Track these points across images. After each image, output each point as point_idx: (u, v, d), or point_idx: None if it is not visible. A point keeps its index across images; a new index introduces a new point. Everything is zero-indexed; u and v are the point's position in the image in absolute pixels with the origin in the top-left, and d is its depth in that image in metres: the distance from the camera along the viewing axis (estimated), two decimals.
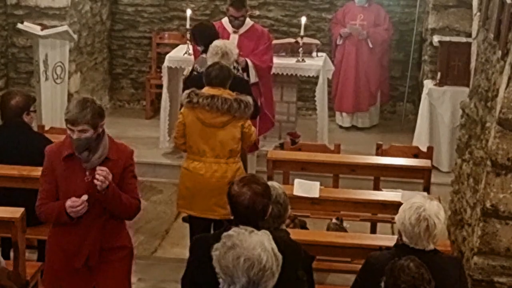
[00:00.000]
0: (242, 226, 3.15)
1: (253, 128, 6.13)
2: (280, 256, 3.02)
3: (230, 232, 3.05)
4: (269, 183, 4.00)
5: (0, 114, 5.91)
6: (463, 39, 8.38)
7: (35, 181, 5.58)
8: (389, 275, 3.57)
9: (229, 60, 6.48)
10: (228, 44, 6.69)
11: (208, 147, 5.98)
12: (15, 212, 5.07)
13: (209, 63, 6.34)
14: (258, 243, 2.97)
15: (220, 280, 2.99)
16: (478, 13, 6.23)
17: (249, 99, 5.98)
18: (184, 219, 7.21)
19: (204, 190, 5.97)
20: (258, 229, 3.12)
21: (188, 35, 7.10)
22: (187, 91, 6.04)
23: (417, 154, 6.71)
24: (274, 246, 3.03)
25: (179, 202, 6.24)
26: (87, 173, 4.42)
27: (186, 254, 4.00)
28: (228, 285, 2.95)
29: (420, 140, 8.15)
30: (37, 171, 5.60)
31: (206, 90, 5.99)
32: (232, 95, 5.97)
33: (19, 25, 8.02)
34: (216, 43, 6.63)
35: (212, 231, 6.27)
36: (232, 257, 2.93)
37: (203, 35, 7.13)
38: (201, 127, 5.97)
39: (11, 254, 5.36)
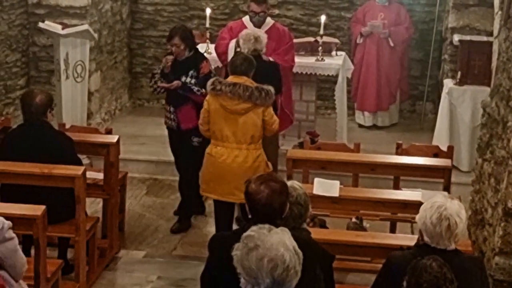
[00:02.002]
0: (260, 224, 3.11)
1: (275, 117, 6.33)
2: (300, 253, 2.99)
3: (250, 232, 3.02)
4: (290, 183, 3.99)
5: (22, 113, 5.95)
6: (484, 38, 8.32)
7: (56, 179, 5.66)
8: (411, 274, 3.54)
9: (262, 43, 6.87)
10: (256, 30, 7.10)
11: (230, 132, 6.19)
12: (37, 209, 5.11)
13: (243, 49, 6.76)
14: (280, 243, 2.93)
15: (242, 280, 2.96)
16: (500, 12, 6.19)
17: (270, 88, 6.17)
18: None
19: (225, 174, 6.19)
20: (277, 227, 3.10)
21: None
22: (211, 79, 6.28)
23: (437, 153, 6.68)
24: (294, 243, 3.00)
25: (202, 186, 6.45)
26: None
27: (205, 252, 4.00)
28: (251, 285, 2.91)
29: (440, 140, 8.11)
30: (58, 169, 5.67)
31: (231, 78, 6.23)
32: (253, 84, 6.16)
33: (40, 24, 8.07)
34: (247, 31, 7.02)
35: (236, 213, 6.61)
36: (256, 258, 2.89)
37: (193, 39, 7.16)
38: (224, 114, 6.18)
39: (32, 251, 5.41)
